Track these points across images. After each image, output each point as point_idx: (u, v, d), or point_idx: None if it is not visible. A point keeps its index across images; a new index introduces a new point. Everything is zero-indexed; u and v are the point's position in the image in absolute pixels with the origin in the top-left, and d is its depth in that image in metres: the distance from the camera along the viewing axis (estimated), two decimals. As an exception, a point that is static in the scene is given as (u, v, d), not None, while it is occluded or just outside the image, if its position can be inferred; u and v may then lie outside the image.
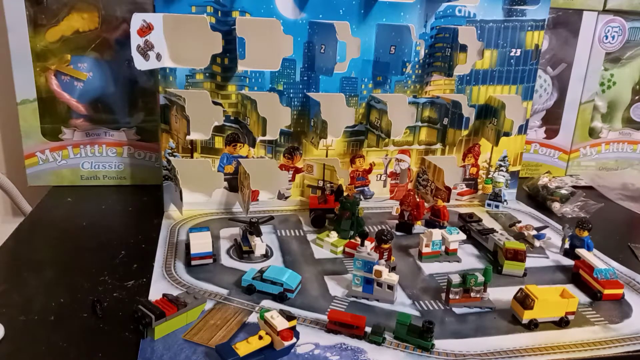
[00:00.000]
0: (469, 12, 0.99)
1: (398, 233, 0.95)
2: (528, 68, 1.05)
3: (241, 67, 0.88)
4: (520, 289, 0.71)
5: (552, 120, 1.29)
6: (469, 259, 0.87)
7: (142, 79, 1.08)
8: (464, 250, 0.89)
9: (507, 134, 1.01)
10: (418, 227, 0.97)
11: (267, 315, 0.60)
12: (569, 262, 0.86)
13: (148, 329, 0.61)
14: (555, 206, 1.10)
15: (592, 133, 1.32)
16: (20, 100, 1.03)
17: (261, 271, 0.74)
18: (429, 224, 0.98)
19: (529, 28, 1.03)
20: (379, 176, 1.07)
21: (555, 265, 0.87)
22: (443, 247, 0.86)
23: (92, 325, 0.64)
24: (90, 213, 0.98)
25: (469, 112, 0.97)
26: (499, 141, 1.04)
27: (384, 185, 1.08)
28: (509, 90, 1.06)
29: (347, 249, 0.86)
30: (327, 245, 0.88)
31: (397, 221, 0.97)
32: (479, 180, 1.12)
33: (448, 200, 0.98)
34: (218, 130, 0.95)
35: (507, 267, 0.82)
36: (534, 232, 0.93)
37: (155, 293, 0.71)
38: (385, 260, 0.80)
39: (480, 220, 0.97)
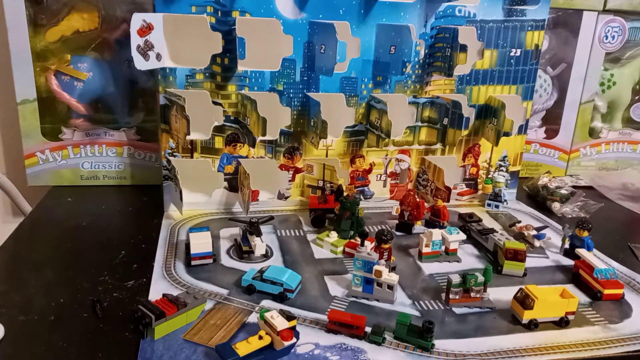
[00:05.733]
0: (469, 12, 0.99)
1: (398, 233, 0.95)
2: (528, 68, 1.05)
3: (241, 67, 0.88)
4: (520, 289, 0.71)
5: (552, 120, 1.29)
6: (469, 259, 0.87)
7: (142, 79, 1.08)
8: (464, 250, 0.89)
9: (507, 134, 1.01)
10: (418, 227, 0.97)
11: (267, 315, 0.60)
12: (569, 262, 0.86)
13: (148, 329, 0.61)
14: (555, 206, 1.10)
15: (592, 133, 1.32)
16: (20, 100, 1.03)
17: (261, 271, 0.74)
18: (429, 224, 0.98)
19: (529, 28, 1.03)
20: (379, 176, 1.07)
21: (555, 265, 0.87)
22: (443, 247, 0.86)
23: (92, 325, 0.64)
24: (90, 213, 0.98)
25: (469, 112, 0.97)
26: (499, 141, 1.04)
27: (384, 185, 1.08)
28: (509, 90, 1.06)
29: (347, 249, 0.86)
30: (327, 245, 0.88)
31: (397, 221, 0.97)
32: (479, 180, 1.12)
33: (448, 200, 0.98)
34: (218, 130, 0.95)
35: (507, 267, 0.82)
36: (534, 232, 0.93)
37: (155, 293, 0.71)
38: (385, 260, 0.80)
39: (480, 220, 0.97)
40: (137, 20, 0.81)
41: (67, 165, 1.08)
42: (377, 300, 0.73)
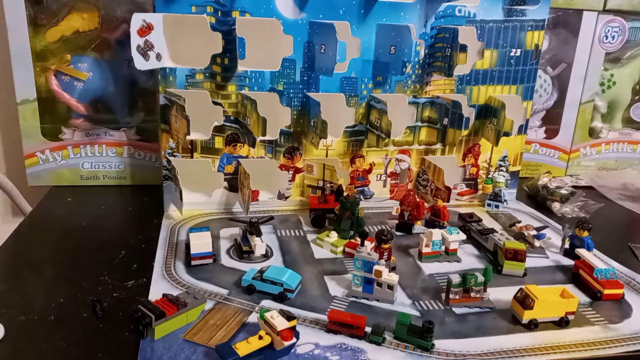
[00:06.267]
0: (469, 12, 0.99)
1: (398, 233, 0.95)
2: (528, 68, 1.05)
3: (241, 67, 0.88)
4: (520, 289, 0.71)
5: (552, 120, 1.29)
6: (469, 259, 0.87)
7: (142, 79, 1.08)
8: (464, 250, 0.89)
9: (507, 134, 1.01)
10: (418, 227, 0.97)
11: (267, 315, 0.60)
12: (569, 262, 0.86)
13: (148, 329, 0.61)
14: (555, 206, 1.10)
15: (592, 133, 1.32)
16: (20, 100, 1.03)
17: (261, 271, 0.74)
18: (429, 224, 0.98)
19: (529, 28, 1.03)
20: (379, 176, 1.07)
21: (555, 265, 0.87)
22: (443, 247, 0.86)
23: (92, 325, 0.64)
24: (90, 213, 0.98)
25: (469, 112, 0.97)
26: (499, 141, 1.04)
27: (384, 185, 1.08)
28: (509, 90, 1.06)
29: (347, 249, 0.86)
30: (327, 245, 0.88)
31: (397, 221, 0.97)
32: (479, 180, 1.12)
33: (448, 200, 0.98)
34: (218, 130, 0.95)
35: (507, 267, 0.82)
36: (534, 232, 0.93)
37: (155, 293, 0.71)
38: (385, 260, 0.80)
39: (480, 220, 0.97)
40: (137, 20, 0.81)
41: (67, 165, 1.08)
42: (377, 300, 0.73)
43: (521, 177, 1.16)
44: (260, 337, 0.59)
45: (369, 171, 1.05)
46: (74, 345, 0.60)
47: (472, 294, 0.72)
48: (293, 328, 0.60)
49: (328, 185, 1.02)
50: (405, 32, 0.91)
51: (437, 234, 0.85)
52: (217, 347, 0.59)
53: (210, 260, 0.80)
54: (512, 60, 1.04)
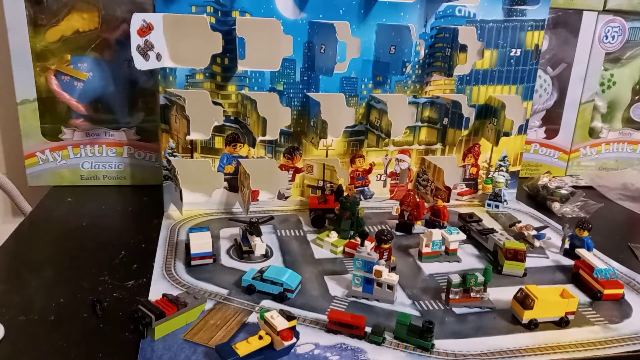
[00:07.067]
0: (469, 12, 0.99)
1: (398, 233, 0.95)
2: (528, 68, 1.05)
3: (241, 67, 0.88)
4: (520, 289, 0.71)
5: (552, 120, 1.29)
6: (469, 259, 0.87)
7: (142, 79, 1.08)
8: (464, 250, 0.89)
9: (507, 134, 1.01)
10: (418, 227, 0.97)
11: (267, 315, 0.60)
12: (569, 262, 0.86)
13: (148, 329, 0.61)
14: (555, 206, 1.10)
15: (592, 133, 1.32)
16: (20, 100, 1.03)
17: (261, 271, 0.74)
18: (429, 224, 0.98)
19: (529, 28, 1.03)
20: (379, 176, 1.07)
21: (555, 265, 0.87)
22: (443, 247, 0.86)
23: (92, 325, 0.64)
24: (90, 213, 0.98)
25: (469, 112, 0.97)
26: (499, 141, 1.04)
27: (384, 185, 1.08)
28: (509, 90, 1.06)
29: (347, 249, 0.86)
30: (327, 245, 0.88)
31: (397, 221, 0.97)
32: (479, 180, 1.12)
33: (448, 200, 0.98)
34: (218, 130, 0.95)
35: (507, 267, 0.82)
36: (534, 232, 0.93)
37: (155, 293, 0.71)
38: (385, 260, 0.80)
39: (480, 220, 0.97)
40: (137, 20, 0.81)
41: (67, 165, 1.08)
42: (377, 300, 0.73)
43: (521, 177, 1.16)
44: (260, 337, 0.59)
45: (369, 171, 1.05)
46: (74, 345, 0.60)
47: (472, 294, 0.72)
48: (293, 328, 0.60)
49: (328, 185, 1.02)
50: (405, 32, 0.91)
51: (437, 234, 0.85)
52: (217, 347, 0.59)
53: (210, 260, 0.80)
54: (512, 60, 1.04)
